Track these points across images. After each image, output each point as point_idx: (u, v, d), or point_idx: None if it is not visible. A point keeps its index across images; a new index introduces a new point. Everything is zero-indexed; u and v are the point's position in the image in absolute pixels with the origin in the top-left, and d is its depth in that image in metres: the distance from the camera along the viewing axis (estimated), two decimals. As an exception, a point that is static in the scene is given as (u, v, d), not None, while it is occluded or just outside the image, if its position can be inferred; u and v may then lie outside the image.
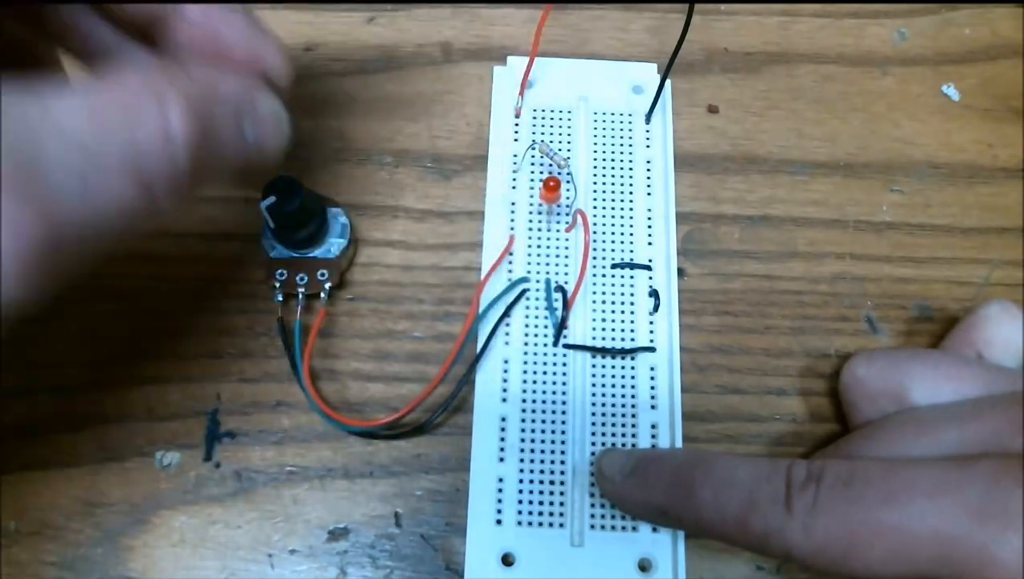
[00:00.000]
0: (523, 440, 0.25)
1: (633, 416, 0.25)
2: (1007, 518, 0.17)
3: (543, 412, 0.25)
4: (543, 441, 0.25)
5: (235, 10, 0.19)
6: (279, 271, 0.26)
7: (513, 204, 0.28)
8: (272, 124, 0.20)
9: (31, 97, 0.14)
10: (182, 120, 0.16)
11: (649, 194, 0.28)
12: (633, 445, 0.25)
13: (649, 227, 0.28)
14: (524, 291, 0.26)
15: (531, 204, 0.28)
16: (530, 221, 0.27)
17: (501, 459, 0.24)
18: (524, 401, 0.25)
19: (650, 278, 0.27)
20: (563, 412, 0.25)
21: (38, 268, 0.13)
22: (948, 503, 0.17)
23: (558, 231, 0.27)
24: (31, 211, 0.13)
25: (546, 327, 0.26)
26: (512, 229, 0.27)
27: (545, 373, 0.25)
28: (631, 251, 0.27)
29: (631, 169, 0.28)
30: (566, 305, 0.26)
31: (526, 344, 0.26)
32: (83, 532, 0.24)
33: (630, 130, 0.29)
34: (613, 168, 0.28)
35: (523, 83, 0.29)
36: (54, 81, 0.16)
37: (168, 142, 0.16)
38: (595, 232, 0.27)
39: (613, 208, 0.28)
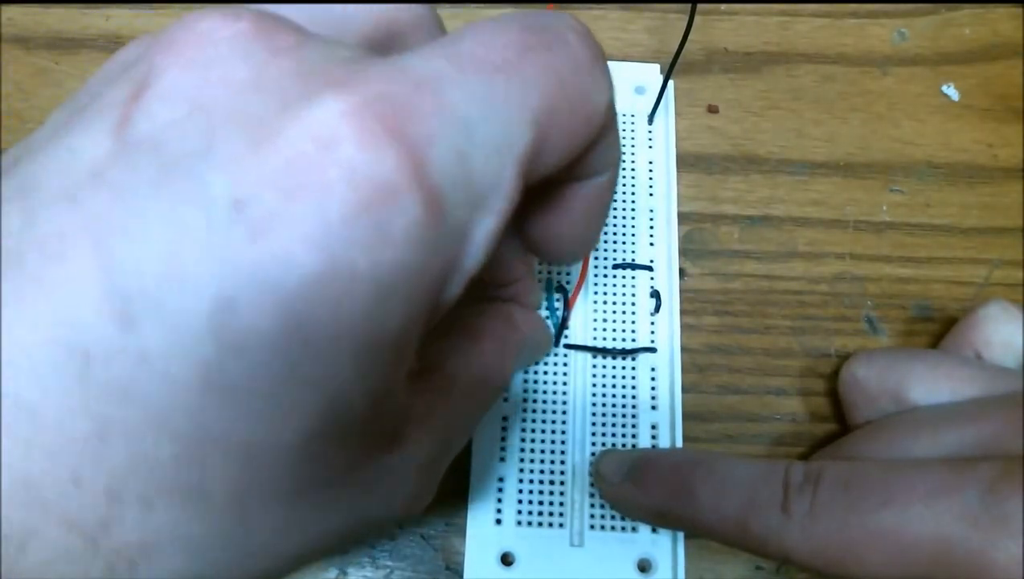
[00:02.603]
0: (523, 440, 0.25)
1: (634, 416, 0.25)
2: (1005, 523, 0.17)
3: (543, 412, 0.25)
4: (543, 441, 0.25)
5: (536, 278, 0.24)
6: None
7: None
8: (541, 350, 0.25)
9: (447, 403, 0.18)
10: (509, 373, 0.21)
11: (651, 195, 0.28)
12: (633, 445, 0.25)
13: (651, 228, 0.27)
14: (524, 291, 0.26)
15: (531, 204, 0.28)
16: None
17: (501, 459, 0.24)
18: (524, 401, 0.25)
19: (651, 279, 0.27)
20: (563, 412, 0.25)
21: None
22: (946, 507, 0.17)
23: (558, 231, 0.27)
24: (434, 481, 0.18)
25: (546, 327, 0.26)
26: (512, 229, 0.27)
27: (546, 373, 0.25)
28: (632, 252, 0.27)
29: (633, 170, 0.28)
30: (567, 305, 0.26)
31: (526, 344, 0.26)
32: (83, 532, 0.24)
33: (632, 131, 0.29)
34: (613, 168, 0.28)
35: (523, 83, 0.29)
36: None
37: (502, 391, 0.21)
38: (595, 232, 0.27)
39: (615, 208, 0.28)
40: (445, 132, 0.12)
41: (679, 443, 0.25)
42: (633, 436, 0.25)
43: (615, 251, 0.27)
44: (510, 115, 0.13)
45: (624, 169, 0.28)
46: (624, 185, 0.28)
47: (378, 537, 0.23)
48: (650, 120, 0.29)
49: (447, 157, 0.12)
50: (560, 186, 0.17)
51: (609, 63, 0.31)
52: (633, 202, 0.28)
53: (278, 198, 0.11)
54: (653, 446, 0.25)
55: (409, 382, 0.15)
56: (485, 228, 0.13)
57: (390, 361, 0.13)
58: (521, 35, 0.14)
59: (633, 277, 0.27)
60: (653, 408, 0.25)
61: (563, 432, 0.25)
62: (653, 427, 0.25)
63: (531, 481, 0.24)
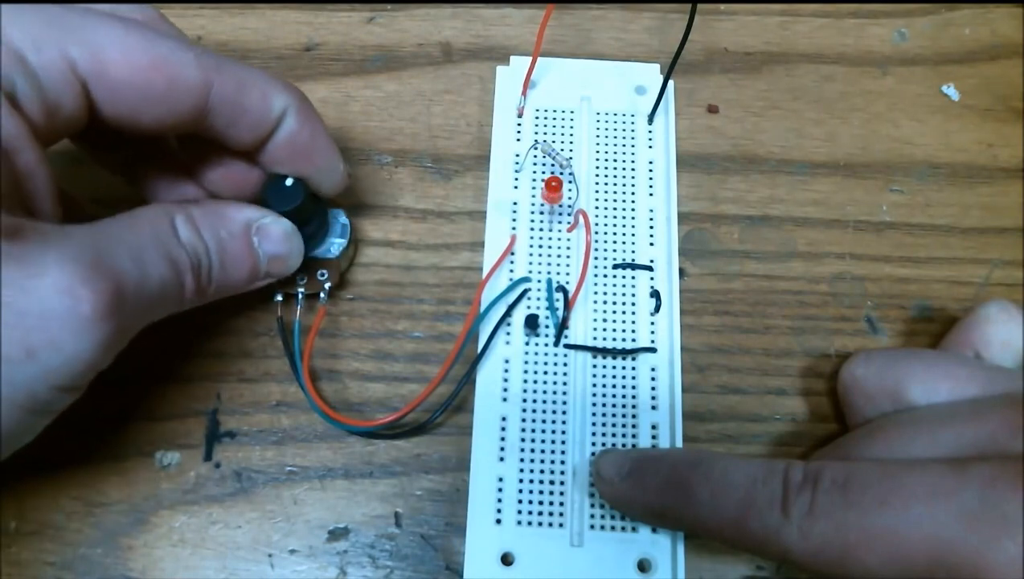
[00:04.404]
0: (523, 440, 0.25)
1: (634, 416, 0.25)
2: (1003, 523, 0.17)
3: (543, 412, 0.25)
4: (543, 441, 0.25)
5: (317, 127, 0.24)
6: (279, 271, 0.26)
7: (515, 204, 0.28)
8: (281, 238, 0.24)
9: (97, 225, 0.20)
10: (186, 227, 0.22)
11: (651, 195, 0.28)
12: (633, 445, 0.25)
13: (651, 228, 0.28)
14: (525, 291, 0.26)
15: (533, 204, 0.28)
16: (532, 221, 0.27)
17: (501, 459, 0.24)
18: (524, 401, 0.25)
19: (651, 279, 0.27)
20: (563, 412, 0.25)
21: (110, 321, 0.19)
22: (943, 508, 0.17)
23: (560, 231, 0.27)
24: (106, 278, 0.19)
25: (547, 327, 0.26)
26: (514, 229, 0.27)
27: (546, 373, 0.25)
28: (633, 251, 0.27)
29: (633, 170, 0.28)
30: (567, 305, 0.26)
31: (527, 344, 0.26)
32: (83, 532, 0.24)
33: (632, 130, 0.29)
34: (615, 168, 0.28)
35: (526, 82, 0.29)
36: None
37: (178, 240, 0.21)
38: (597, 232, 0.27)
39: (615, 208, 0.28)
40: None
41: (679, 443, 0.25)
42: (633, 436, 0.25)
43: (615, 251, 0.27)
44: None
45: (624, 169, 0.28)
46: (624, 185, 0.28)
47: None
48: (650, 120, 0.29)
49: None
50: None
51: (609, 63, 0.31)
52: (633, 202, 0.28)
53: None
54: (653, 446, 0.25)
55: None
56: None
57: None
58: None
59: (633, 277, 0.27)
60: (653, 408, 0.25)
61: (563, 432, 0.25)
62: (653, 427, 0.25)
63: (531, 481, 0.24)
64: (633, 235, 0.27)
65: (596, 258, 0.27)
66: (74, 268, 0.18)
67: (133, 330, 0.21)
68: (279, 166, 0.24)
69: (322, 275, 0.26)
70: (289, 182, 0.24)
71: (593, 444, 0.25)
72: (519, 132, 0.29)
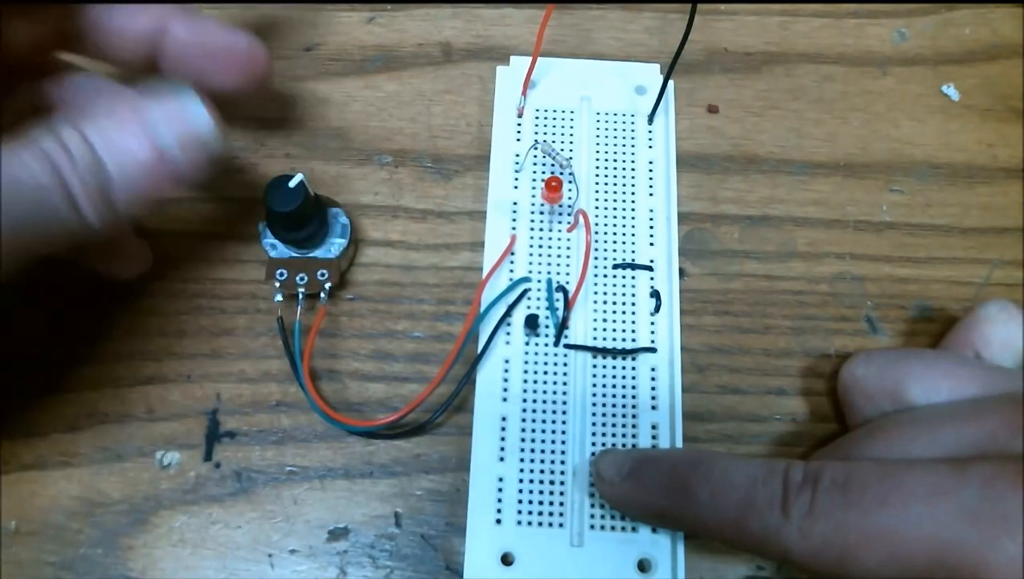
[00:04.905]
0: (523, 440, 0.25)
1: (634, 416, 0.25)
2: (1003, 522, 0.17)
3: (543, 412, 0.25)
4: (543, 441, 0.25)
5: (207, 20, 0.23)
6: (279, 271, 0.26)
7: (515, 204, 0.28)
8: (179, 113, 0.21)
9: None
10: (62, 125, 0.19)
11: (651, 195, 0.28)
12: (633, 445, 0.25)
13: (651, 228, 0.28)
14: (525, 291, 0.26)
15: (533, 204, 0.28)
16: (532, 221, 0.27)
17: (501, 459, 0.24)
18: (524, 401, 0.25)
19: (651, 279, 0.27)
20: (563, 412, 0.25)
21: None
22: (943, 507, 0.17)
23: (560, 231, 0.27)
24: None
25: (547, 327, 0.26)
26: (514, 229, 0.27)
27: (546, 373, 0.25)
28: (633, 251, 0.27)
29: (633, 169, 0.28)
30: (567, 305, 0.26)
31: (527, 344, 0.26)
32: (83, 532, 0.24)
33: (632, 130, 0.29)
34: (615, 168, 0.28)
35: (526, 82, 0.29)
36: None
37: (55, 135, 0.19)
38: (597, 232, 0.27)
39: (615, 208, 0.28)
40: None
41: (679, 443, 0.25)
42: (633, 436, 0.25)
43: (615, 251, 0.27)
44: None
45: (624, 169, 0.28)
46: (624, 185, 0.28)
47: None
48: (650, 120, 0.29)
49: None
50: None
51: (609, 63, 0.31)
52: (633, 202, 0.28)
53: None
54: (653, 446, 0.25)
55: None
56: None
57: None
58: None
59: (633, 277, 0.27)
60: (653, 408, 0.25)
61: (563, 432, 0.25)
62: (653, 427, 0.25)
63: (531, 481, 0.24)
64: (633, 235, 0.27)
65: (596, 258, 0.27)
66: None
67: (21, 252, 0.18)
68: (183, 70, 0.23)
69: (322, 275, 0.26)
70: (292, 183, 0.24)
71: (593, 444, 0.25)
72: (519, 132, 0.29)
